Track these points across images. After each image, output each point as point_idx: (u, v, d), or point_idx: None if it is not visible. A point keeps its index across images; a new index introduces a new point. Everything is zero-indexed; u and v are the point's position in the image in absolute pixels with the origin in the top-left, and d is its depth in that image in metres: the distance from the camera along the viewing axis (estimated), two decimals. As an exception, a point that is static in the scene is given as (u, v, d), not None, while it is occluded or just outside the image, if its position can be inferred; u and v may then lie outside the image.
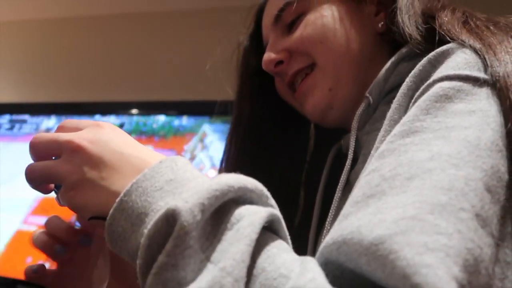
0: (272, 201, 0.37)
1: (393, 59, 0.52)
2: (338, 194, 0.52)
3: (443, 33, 0.47)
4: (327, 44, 0.57)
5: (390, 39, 0.56)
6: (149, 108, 1.50)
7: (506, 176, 0.35)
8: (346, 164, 0.52)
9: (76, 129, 0.42)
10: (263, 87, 0.67)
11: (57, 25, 2.01)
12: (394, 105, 0.44)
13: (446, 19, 0.49)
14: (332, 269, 0.32)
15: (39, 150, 0.41)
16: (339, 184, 0.52)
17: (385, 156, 0.37)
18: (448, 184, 0.32)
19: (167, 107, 1.47)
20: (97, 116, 1.53)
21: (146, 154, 0.40)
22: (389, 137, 0.39)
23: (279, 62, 0.59)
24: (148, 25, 1.85)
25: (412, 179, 0.32)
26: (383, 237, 0.28)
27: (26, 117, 1.57)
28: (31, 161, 0.42)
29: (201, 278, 0.30)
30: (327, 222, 0.51)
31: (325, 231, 0.51)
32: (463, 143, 0.34)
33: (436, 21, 0.50)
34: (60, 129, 0.43)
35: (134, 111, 1.51)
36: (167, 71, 1.72)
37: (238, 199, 0.35)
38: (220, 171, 0.71)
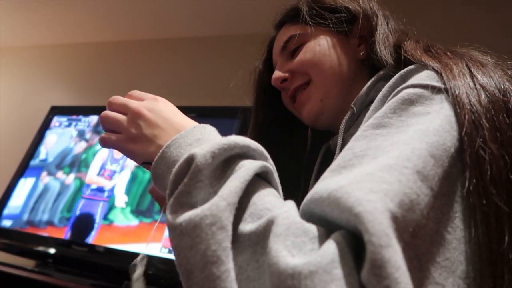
0: (270, 160, 0.43)
1: (373, 78, 0.59)
2: None
3: (411, 59, 0.53)
4: (321, 65, 0.64)
5: (369, 64, 0.64)
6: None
7: (452, 150, 0.38)
8: (334, 159, 0.56)
9: (140, 99, 0.50)
10: (272, 99, 0.76)
11: (99, 48, 2.24)
12: (371, 107, 0.49)
13: (410, 46, 0.56)
14: (305, 217, 0.36)
15: (113, 106, 0.50)
16: None
17: (358, 140, 0.41)
18: (398, 154, 0.36)
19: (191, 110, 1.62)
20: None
21: (186, 121, 0.47)
22: (364, 126, 0.43)
23: (284, 80, 0.68)
24: (181, 49, 2.04)
25: (376, 158, 0.37)
26: (342, 185, 0.33)
27: (80, 117, 1.74)
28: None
29: (205, 202, 0.36)
30: None
31: None
32: (416, 131, 0.39)
33: (406, 51, 0.56)
34: (129, 96, 0.52)
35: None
36: (194, 86, 1.89)
37: (242, 154, 0.41)
38: None
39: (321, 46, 0.65)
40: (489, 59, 0.51)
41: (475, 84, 0.44)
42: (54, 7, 2.01)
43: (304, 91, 0.66)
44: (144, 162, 0.47)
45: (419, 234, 0.34)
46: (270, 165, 0.42)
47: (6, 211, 1.57)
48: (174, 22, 1.99)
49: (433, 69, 0.47)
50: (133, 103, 0.49)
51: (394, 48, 0.60)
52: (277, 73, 0.69)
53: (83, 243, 1.38)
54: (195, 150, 0.38)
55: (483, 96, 0.43)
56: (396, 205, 0.32)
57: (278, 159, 0.73)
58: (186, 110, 1.74)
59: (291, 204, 0.37)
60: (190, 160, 0.38)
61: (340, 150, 0.57)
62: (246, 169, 0.38)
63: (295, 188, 0.73)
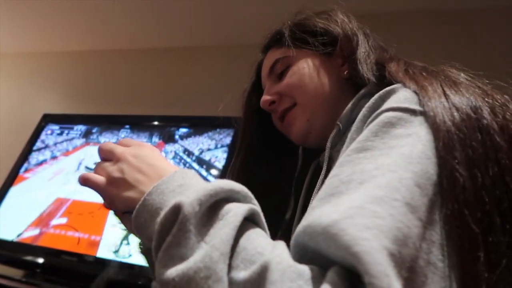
0: (254, 201, 0.43)
1: (356, 96, 0.61)
2: (314, 196, 0.57)
3: (391, 78, 0.55)
4: (305, 87, 0.67)
5: (352, 83, 0.65)
6: (166, 120, 1.67)
7: (434, 177, 0.39)
8: (321, 174, 0.59)
9: (126, 145, 0.51)
10: (262, 120, 0.77)
11: (90, 57, 2.25)
12: (353, 128, 0.50)
13: (394, 68, 0.57)
14: (299, 250, 0.37)
15: (102, 153, 0.52)
16: (315, 190, 0.58)
17: (343, 165, 0.42)
18: (386, 183, 0.37)
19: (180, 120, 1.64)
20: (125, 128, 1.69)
21: (169, 167, 0.47)
22: (347, 151, 0.44)
23: (272, 102, 0.70)
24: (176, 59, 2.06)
25: (362, 183, 0.38)
26: (335, 220, 0.33)
27: (72, 125, 1.75)
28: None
29: (197, 253, 0.36)
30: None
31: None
32: (399, 155, 0.40)
33: (386, 70, 0.58)
34: (119, 143, 0.53)
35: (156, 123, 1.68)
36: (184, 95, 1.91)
37: (228, 198, 0.41)
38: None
39: (305, 69, 0.68)
40: (463, 77, 0.53)
41: (448, 104, 0.45)
42: (48, 14, 2.01)
43: (291, 113, 0.69)
44: (125, 212, 0.47)
45: (414, 268, 0.34)
46: (256, 205, 0.42)
47: (-6, 220, 1.56)
48: (168, 31, 2.00)
49: (412, 90, 0.48)
50: (118, 149, 0.50)
51: (376, 65, 0.62)
52: (265, 96, 0.71)
53: (72, 253, 1.36)
54: (181, 198, 0.38)
55: (456, 114, 0.44)
56: (391, 241, 0.32)
57: (268, 179, 0.75)
58: (180, 120, 1.74)
59: (281, 245, 0.37)
60: (177, 209, 0.37)
61: (327, 167, 0.59)
62: (234, 214, 0.38)
63: (284, 205, 0.75)
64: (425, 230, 0.36)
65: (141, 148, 0.50)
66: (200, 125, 1.56)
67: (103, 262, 1.29)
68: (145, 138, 1.61)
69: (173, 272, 0.35)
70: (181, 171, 0.44)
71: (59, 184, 1.61)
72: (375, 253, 0.31)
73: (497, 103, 0.47)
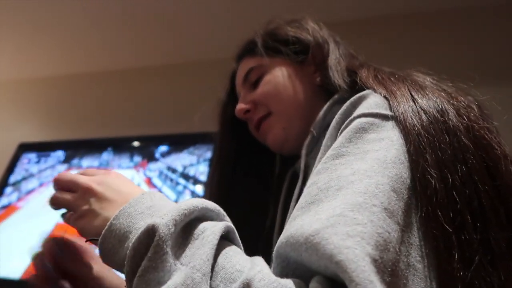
0: (227, 218, 0.42)
1: (328, 103, 0.61)
2: (293, 204, 0.57)
3: (362, 84, 0.56)
4: (279, 96, 0.67)
5: (325, 89, 0.66)
6: (146, 140, 1.68)
7: (408, 181, 0.40)
8: (298, 182, 0.59)
9: (91, 175, 0.50)
10: (237, 129, 0.77)
11: (67, 81, 2.23)
12: (327, 135, 0.50)
13: (365, 74, 0.58)
14: (281, 261, 0.37)
15: (61, 184, 0.50)
16: (293, 197, 0.58)
17: (320, 173, 0.43)
18: (364, 189, 0.37)
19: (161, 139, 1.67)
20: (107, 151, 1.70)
21: (136, 190, 0.46)
22: (323, 158, 0.45)
23: (247, 111, 0.70)
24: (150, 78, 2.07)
25: (340, 190, 0.38)
26: (317, 229, 0.34)
27: (49, 152, 1.75)
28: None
29: (176, 276, 0.34)
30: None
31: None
32: (374, 160, 0.41)
33: (358, 76, 0.59)
34: (82, 173, 0.51)
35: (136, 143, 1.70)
36: (164, 112, 1.91)
37: (201, 216, 0.40)
38: (206, 193, 0.79)
39: (279, 78, 0.68)
40: (429, 80, 0.55)
41: (416, 107, 0.46)
42: (18, 40, 1.99)
43: (266, 121, 0.69)
44: (91, 239, 0.44)
45: (396, 271, 0.35)
46: (229, 222, 0.42)
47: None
48: (143, 51, 2.00)
49: (381, 95, 0.50)
50: (82, 179, 0.48)
51: (347, 72, 0.63)
52: (240, 105, 0.71)
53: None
54: (155, 219, 0.36)
55: (424, 117, 0.45)
56: (373, 247, 0.33)
57: (246, 188, 0.75)
58: (159, 140, 1.72)
59: (260, 261, 0.37)
60: (151, 231, 0.35)
61: (304, 173, 0.60)
62: (211, 233, 0.38)
63: (264, 214, 0.75)
64: (403, 234, 0.37)
65: (107, 176, 0.48)
66: (180, 142, 1.56)
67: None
68: (127, 158, 1.60)
69: None
70: (149, 193, 0.43)
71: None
72: (358, 260, 0.31)
73: (461, 104, 0.48)
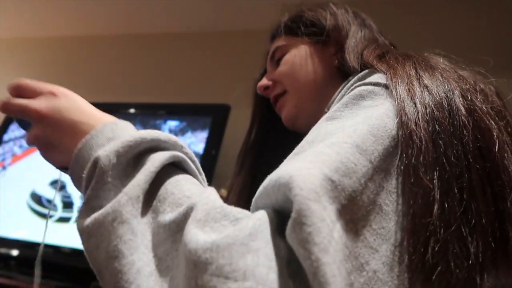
0: (186, 149, 0.43)
1: (344, 83, 0.60)
2: None
3: (364, 63, 0.60)
4: (294, 75, 0.71)
5: (342, 72, 0.67)
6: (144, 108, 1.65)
7: (393, 132, 0.41)
8: None
9: (34, 93, 0.48)
10: (270, 108, 0.80)
11: (63, 43, 2.19)
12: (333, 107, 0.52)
13: (366, 54, 0.62)
14: (254, 209, 0.37)
15: (10, 111, 0.48)
16: None
17: (312, 130, 0.45)
18: (342, 135, 0.39)
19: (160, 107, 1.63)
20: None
21: (95, 119, 0.45)
22: (319, 120, 0.47)
23: (266, 88, 0.76)
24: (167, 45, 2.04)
25: (323, 140, 0.40)
26: (289, 169, 0.34)
27: None
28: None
29: (112, 201, 0.37)
30: None
31: None
32: (361, 117, 0.42)
33: (361, 56, 0.62)
34: (18, 88, 0.49)
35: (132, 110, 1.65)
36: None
37: (153, 147, 0.41)
38: (236, 172, 0.82)
39: (297, 57, 0.72)
40: (442, 62, 0.54)
41: (419, 83, 0.47)
42: (19, 1, 1.94)
43: (282, 99, 0.75)
44: (61, 167, 0.47)
45: (355, 200, 0.35)
46: (186, 153, 0.43)
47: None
48: (144, 17, 1.95)
49: (381, 71, 0.52)
50: (32, 105, 0.46)
51: (361, 55, 0.65)
52: (262, 81, 0.77)
53: (48, 244, 1.33)
54: (99, 152, 0.39)
55: (425, 94, 0.45)
56: (332, 170, 0.34)
57: (272, 159, 0.73)
58: (157, 108, 1.70)
59: (211, 190, 0.38)
60: (95, 163, 0.38)
61: None
62: (152, 161, 0.39)
63: None
64: (374, 172, 0.37)
65: (55, 100, 0.47)
66: (179, 113, 1.54)
67: (79, 253, 1.27)
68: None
69: (87, 220, 0.37)
70: (111, 123, 0.44)
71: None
72: (310, 176, 0.32)
73: (469, 87, 0.48)
